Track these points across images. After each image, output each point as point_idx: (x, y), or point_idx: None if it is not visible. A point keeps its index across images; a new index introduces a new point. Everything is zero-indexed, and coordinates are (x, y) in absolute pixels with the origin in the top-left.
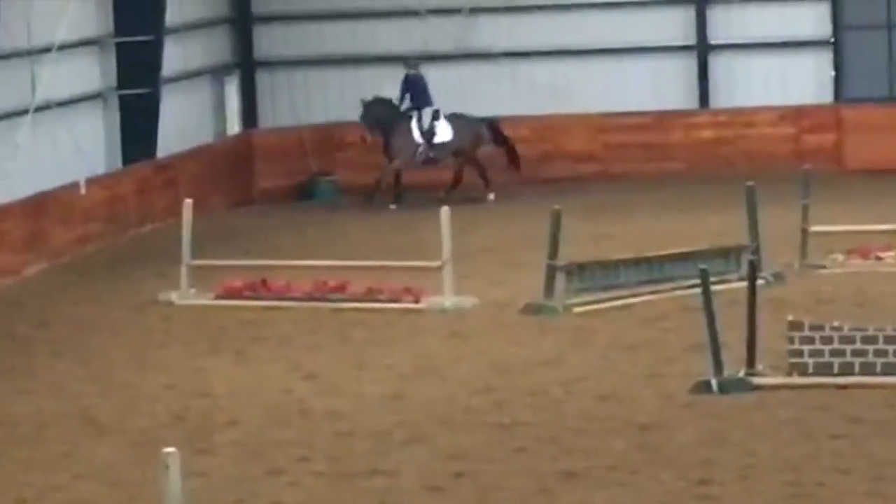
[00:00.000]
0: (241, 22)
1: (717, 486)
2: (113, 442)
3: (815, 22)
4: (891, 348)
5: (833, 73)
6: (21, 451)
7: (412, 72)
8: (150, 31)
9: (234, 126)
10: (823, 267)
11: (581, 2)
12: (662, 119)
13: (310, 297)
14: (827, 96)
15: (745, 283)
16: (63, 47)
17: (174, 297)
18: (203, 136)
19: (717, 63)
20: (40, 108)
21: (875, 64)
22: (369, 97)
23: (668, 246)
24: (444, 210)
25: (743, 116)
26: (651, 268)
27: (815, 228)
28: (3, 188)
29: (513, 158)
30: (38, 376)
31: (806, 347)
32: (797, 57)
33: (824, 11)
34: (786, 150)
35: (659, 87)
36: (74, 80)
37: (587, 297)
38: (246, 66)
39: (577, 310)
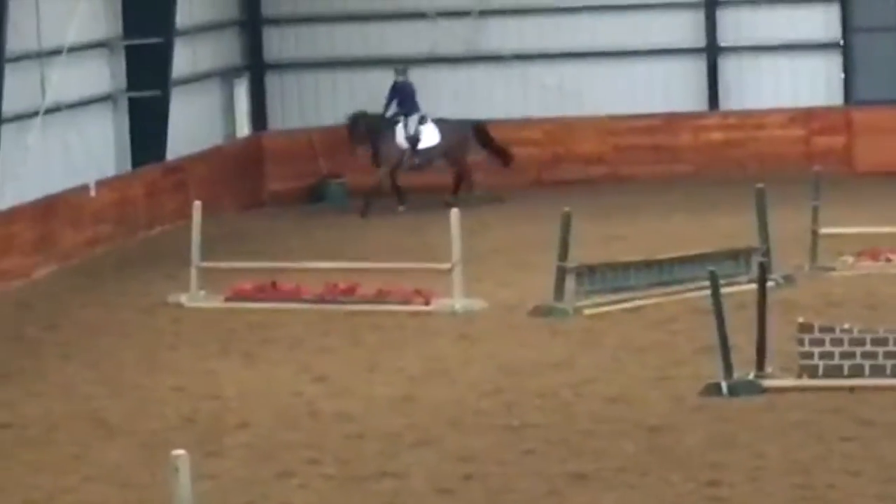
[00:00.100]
0: (251, 24)
1: (727, 489)
2: (123, 444)
3: (824, 24)
4: None
5: (843, 76)
6: (30, 453)
7: (400, 78)
8: (159, 33)
9: (243, 128)
10: (833, 269)
11: (590, 4)
12: (672, 121)
13: (320, 300)
14: (837, 98)
15: (754, 286)
16: (73, 50)
17: (184, 299)
18: (213, 138)
19: (727, 65)
20: (50, 111)
21: (885, 66)
22: (351, 111)
23: (677, 248)
24: (454, 212)
25: (753, 119)
26: (661, 270)
27: (825, 230)
28: (12, 190)
29: (503, 157)
30: (48, 378)
31: (816, 350)
32: (807, 59)
33: (834, 14)
34: (796, 152)
35: (669, 89)
36: (84, 82)
37: (597, 300)
38: (255, 68)
39: (587, 312)
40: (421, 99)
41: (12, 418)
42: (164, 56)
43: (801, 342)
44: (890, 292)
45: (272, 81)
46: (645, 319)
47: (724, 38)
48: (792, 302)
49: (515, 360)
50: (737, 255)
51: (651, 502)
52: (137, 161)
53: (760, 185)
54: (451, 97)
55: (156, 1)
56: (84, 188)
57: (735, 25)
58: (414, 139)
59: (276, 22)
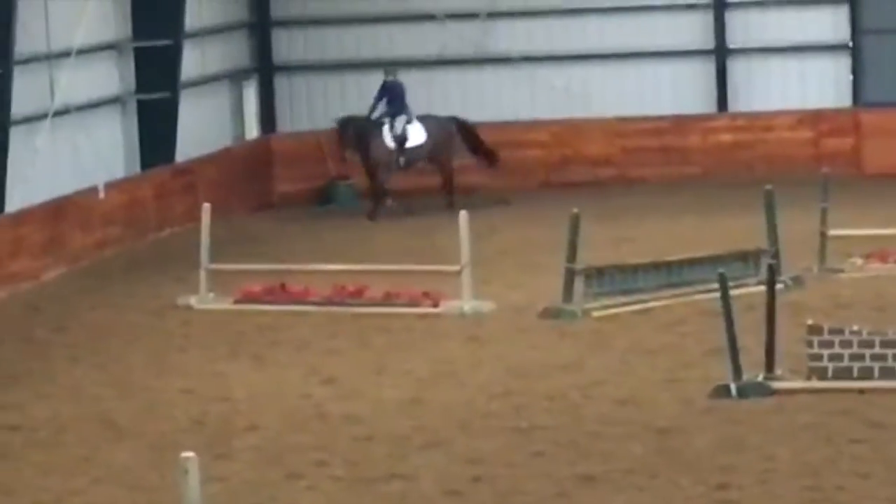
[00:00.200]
0: (260, 26)
1: (736, 491)
2: (131, 446)
3: (833, 26)
4: None
5: (851, 77)
6: (39, 455)
7: (390, 78)
8: (168, 35)
9: (252, 130)
10: (842, 271)
11: (599, 6)
12: (680, 123)
13: (328, 302)
14: (845, 100)
15: (763, 287)
16: (82, 52)
17: (193, 301)
18: (222, 140)
19: (736, 67)
20: (59, 113)
21: (894, 68)
22: (340, 115)
23: (686, 250)
24: (463, 214)
25: (761, 120)
26: (670, 272)
27: (833, 232)
28: (22, 193)
29: (489, 157)
30: (57, 380)
31: (825, 352)
32: (815, 61)
33: (843, 15)
34: (804, 153)
35: (677, 90)
36: (93, 84)
37: (606, 302)
38: (264, 70)
39: (596, 314)
40: (429, 101)
41: (21, 420)
42: (173, 58)
43: (810, 344)
44: None
45: (281, 83)
46: (654, 321)
47: (733, 39)
48: (801, 304)
49: (524, 362)
50: (745, 257)
51: None
52: (146, 163)
53: (769, 187)
54: (459, 99)
55: (165, 3)
56: (93, 190)
57: (744, 27)
58: (401, 139)
59: (285, 24)
